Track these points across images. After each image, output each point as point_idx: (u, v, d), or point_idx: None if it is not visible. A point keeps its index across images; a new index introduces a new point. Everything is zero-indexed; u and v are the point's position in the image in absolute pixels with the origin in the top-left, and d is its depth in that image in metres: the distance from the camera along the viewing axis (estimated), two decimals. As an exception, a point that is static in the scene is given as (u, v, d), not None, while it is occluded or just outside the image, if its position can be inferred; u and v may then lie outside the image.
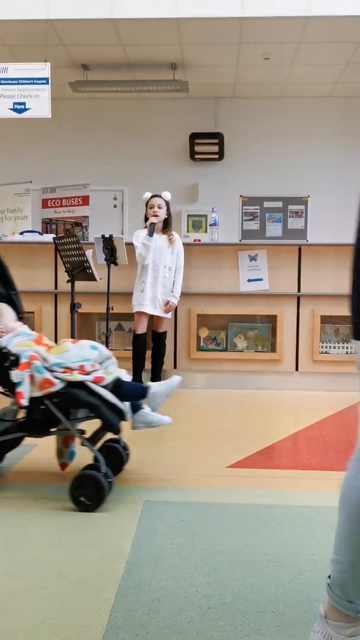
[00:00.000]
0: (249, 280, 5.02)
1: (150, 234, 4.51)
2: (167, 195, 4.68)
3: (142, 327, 4.65)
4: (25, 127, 7.15)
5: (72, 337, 4.51)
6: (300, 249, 5.02)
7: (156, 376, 4.73)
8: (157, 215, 4.56)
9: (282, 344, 5.00)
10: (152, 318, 4.76)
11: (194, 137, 7.08)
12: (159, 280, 4.58)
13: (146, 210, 4.66)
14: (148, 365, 4.80)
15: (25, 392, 2.32)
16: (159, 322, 4.70)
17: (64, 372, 2.37)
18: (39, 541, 2.01)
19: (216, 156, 7.12)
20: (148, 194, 4.69)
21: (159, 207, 4.60)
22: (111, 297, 4.43)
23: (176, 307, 4.99)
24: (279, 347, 5.00)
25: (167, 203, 4.65)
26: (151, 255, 4.54)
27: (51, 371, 2.36)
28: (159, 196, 4.64)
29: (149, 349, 4.83)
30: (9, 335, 2.52)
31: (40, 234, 5.82)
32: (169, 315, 4.69)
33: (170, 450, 3.17)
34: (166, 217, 4.65)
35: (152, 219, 4.54)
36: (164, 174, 7.25)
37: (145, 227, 4.60)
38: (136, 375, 4.72)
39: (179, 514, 2.24)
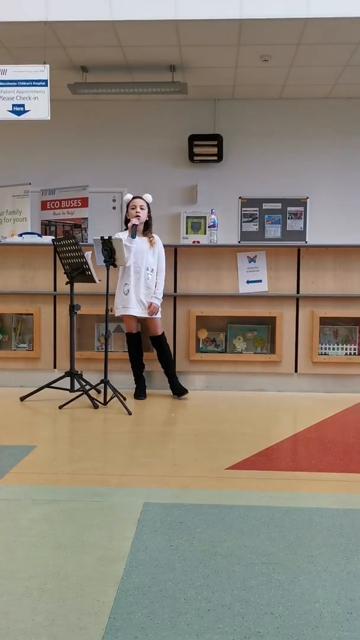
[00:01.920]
0: (248, 282, 5.02)
1: (133, 236, 4.49)
2: (148, 197, 4.67)
3: (134, 327, 4.64)
4: (24, 129, 7.16)
5: (71, 338, 4.51)
6: (299, 251, 5.02)
7: (172, 377, 4.70)
8: (139, 216, 4.56)
9: (281, 346, 5.00)
10: (144, 323, 4.73)
11: (193, 138, 7.09)
12: (142, 282, 4.56)
13: (127, 211, 4.65)
14: (149, 366, 4.80)
15: None
16: (152, 326, 4.65)
17: None
18: (37, 543, 2.00)
19: (215, 158, 7.14)
20: (129, 196, 4.69)
21: (141, 208, 4.59)
22: (110, 298, 4.43)
23: (175, 309, 4.99)
24: (278, 348, 5.00)
25: (148, 205, 4.65)
26: (132, 257, 4.53)
27: None
28: (141, 197, 4.64)
29: (146, 350, 4.83)
30: None
31: (40, 235, 5.82)
32: (159, 316, 4.67)
33: (169, 452, 3.16)
34: (147, 219, 4.65)
35: (134, 220, 4.53)
36: (163, 175, 7.26)
37: (126, 229, 4.60)
38: (137, 376, 4.71)
39: (178, 515, 2.24)
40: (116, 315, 4.64)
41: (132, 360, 4.69)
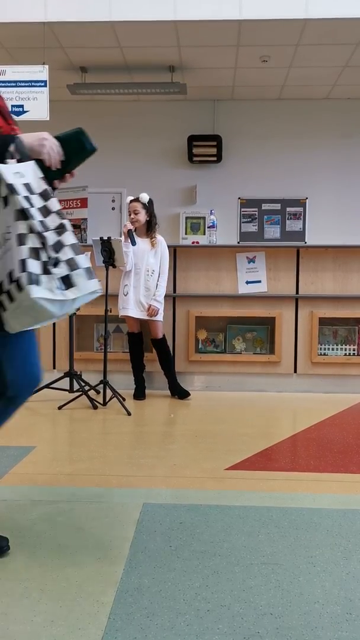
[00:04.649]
0: (247, 282, 5.02)
1: (133, 243, 4.40)
2: (143, 197, 4.58)
3: (135, 327, 4.63)
4: (23, 130, 7.14)
5: (70, 339, 4.51)
6: (298, 251, 5.02)
7: (172, 380, 4.70)
8: (135, 221, 4.53)
9: (281, 346, 5.00)
10: (146, 324, 4.72)
11: (192, 139, 7.09)
12: (141, 283, 4.54)
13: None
14: (149, 367, 4.80)
15: None
16: (153, 328, 4.64)
17: None
18: (37, 544, 2.00)
19: (214, 158, 7.13)
20: (128, 199, 4.66)
21: (135, 213, 4.55)
22: (109, 299, 4.43)
23: (174, 309, 5.00)
24: (278, 349, 5.00)
25: (146, 205, 4.58)
26: (133, 258, 4.50)
27: None
28: (136, 200, 4.59)
29: (147, 351, 4.83)
30: None
31: (39, 236, 5.80)
32: (161, 319, 4.66)
33: (168, 453, 3.17)
34: (148, 219, 4.59)
35: (128, 225, 4.49)
36: (162, 176, 7.25)
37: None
38: (137, 376, 4.70)
39: (177, 516, 2.24)
40: (119, 316, 4.63)
41: (133, 360, 4.68)
